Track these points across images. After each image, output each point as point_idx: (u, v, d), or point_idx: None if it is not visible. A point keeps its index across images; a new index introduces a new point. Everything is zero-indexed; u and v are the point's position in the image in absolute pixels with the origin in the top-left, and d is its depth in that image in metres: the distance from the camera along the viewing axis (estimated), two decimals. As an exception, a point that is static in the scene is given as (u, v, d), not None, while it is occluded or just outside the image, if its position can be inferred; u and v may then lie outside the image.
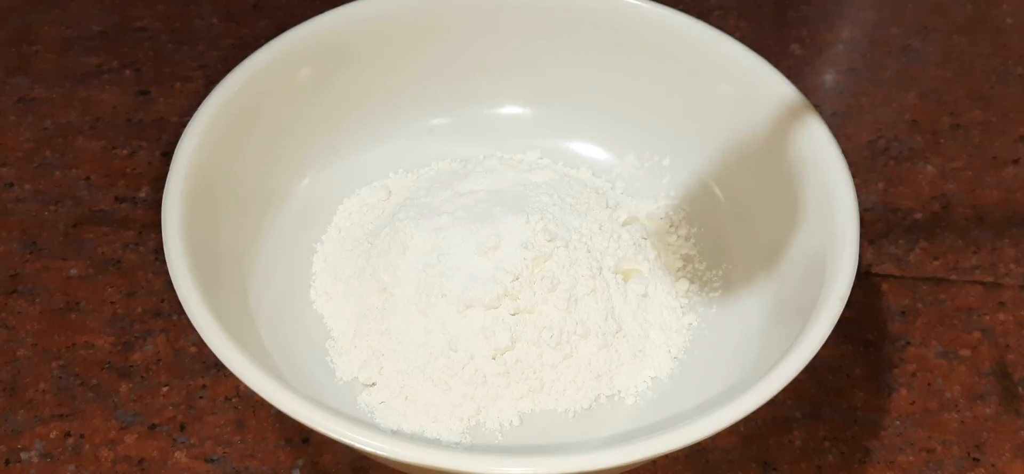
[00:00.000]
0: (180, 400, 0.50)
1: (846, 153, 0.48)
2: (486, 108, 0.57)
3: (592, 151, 0.56)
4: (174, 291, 0.43)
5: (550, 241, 0.48)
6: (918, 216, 0.58)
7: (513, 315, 0.47)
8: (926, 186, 0.60)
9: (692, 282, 0.51)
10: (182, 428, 0.49)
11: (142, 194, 0.59)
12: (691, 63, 0.53)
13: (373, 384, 0.47)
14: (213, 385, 0.51)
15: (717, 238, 0.53)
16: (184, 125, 0.48)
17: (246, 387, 0.40)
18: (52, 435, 0.49)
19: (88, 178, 0.59)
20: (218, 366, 0.51)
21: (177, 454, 0.49)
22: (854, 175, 0.48)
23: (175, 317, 0.53)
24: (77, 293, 0.54)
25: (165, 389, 0.51)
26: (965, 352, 0.53)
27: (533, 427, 0.46)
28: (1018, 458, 0.49)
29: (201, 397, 0.51)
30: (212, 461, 0.48)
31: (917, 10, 0.70)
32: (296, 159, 0.53)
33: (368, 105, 0.55)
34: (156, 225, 0.45)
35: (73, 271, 0.55)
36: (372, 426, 0.44)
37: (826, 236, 0.46)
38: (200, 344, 0.51)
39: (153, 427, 0.50)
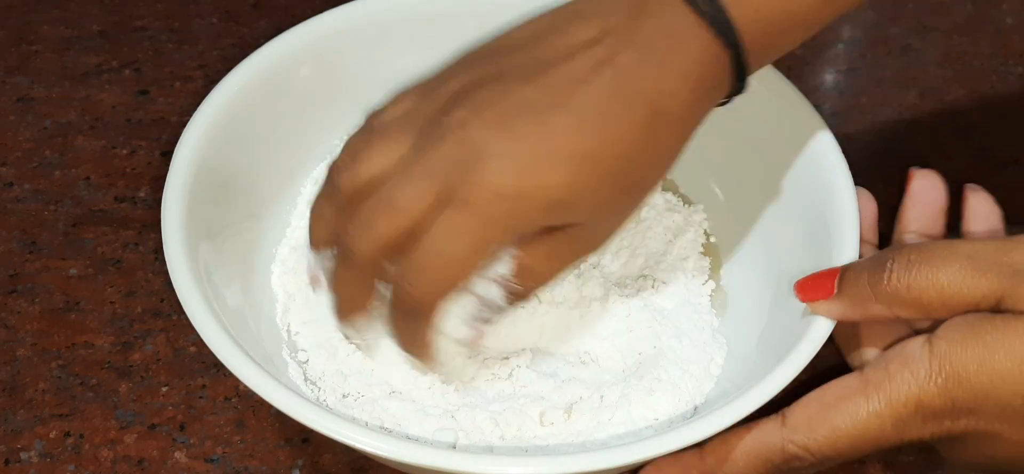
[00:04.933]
0: (180, 400, 0.50)
1: (846, 153, 0.48)
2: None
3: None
4: (174, 291, 0.43)
5: None
6: (918, 216, 0.58)
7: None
8: (926, 186, 0.60)
9: (692, 282, 0.51)
10: (182, 428, 0.49)
11: (142, 194, 0.59)
12: (691, 63, 0.53)
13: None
14: (213, 385, 0.51)
15: (717, 238, 0.53)
16: (184, 125, 0.48)
17: (246, 387, 0.40)
18: (52, 435, 0.49)
19: (88, 178, 0.59)
20: (218, 366, 0.51)
21: (177, 454, 0.49)
22: (854, 175, 0.48)
23: (175, 317, 0.53)
24: (77, 293, 0.54)
25: (165, 389, 0.51)
26: (965, 352, 0.53)
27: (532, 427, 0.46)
28: (1018, 458, 0.49)
29: (201, 397, 0.50)
30: (212, 461, 0.48)
31: (917, 10, 0.70)
32: (296, 159, 0.53)
33: (368, 105, 0.55)
34: (156, 225, 0.45)
35: (73, 271, 0.55)
36: (372, 426, 0.44)
37: (826, 236, 0.46)
38: (200, 344, 0.51)
39: (153, 427, 0.50)
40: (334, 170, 0.42)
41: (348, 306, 0.43)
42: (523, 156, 0.39)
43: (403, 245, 0.40)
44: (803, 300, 0.43)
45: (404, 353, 0.43)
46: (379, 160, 0.41)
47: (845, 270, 0.43)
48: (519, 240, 0.40)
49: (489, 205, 0.39)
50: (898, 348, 0.41)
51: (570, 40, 0.40)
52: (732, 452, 0.42)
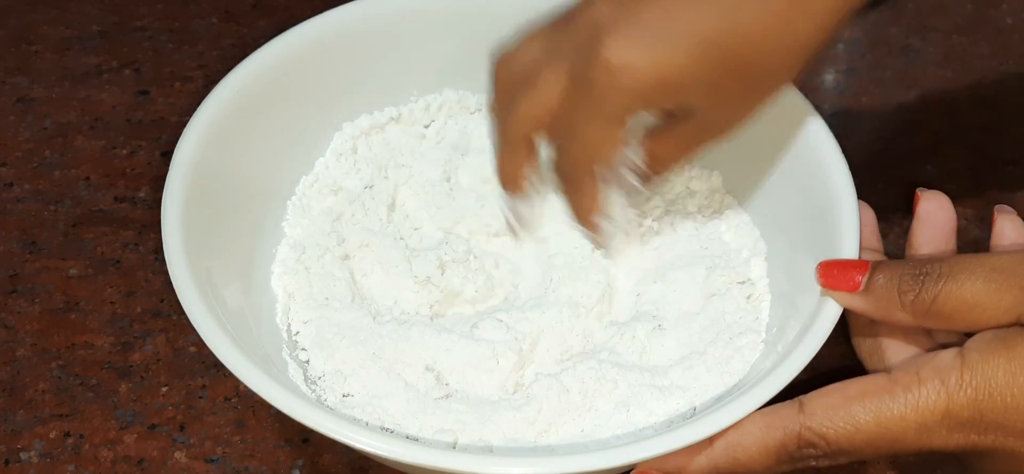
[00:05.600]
0: (180, 400, 0.50)
1: (846, 153, 0.48)
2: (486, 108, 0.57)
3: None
4: (173, 291, 0.43)
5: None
6: (918, 216, 0.58)
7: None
8: (926, 186, 0.60)
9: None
10: (182, 428, 0.49)
11: (142, 194, 0.59)
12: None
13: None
14: (213, 385, 0.51)
15: (717, 238, 0.53)
16: (184, 125, 0.48)
17: (246, 387, 0.40)
18: (52, 435, 0.49)
19: (88, 178, 0.59)
20: (218, 366, 0.51)
21: (177, 454, 0.49)
22: (854, 175, 0.48)
23: (175, 317, 0.53)
24: (77, 293, 0.54)
25: (165, 389, 0.51)
26: (965, 352, 0.53)
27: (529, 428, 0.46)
28: (1018, 458, 0.49)
29: (201, 397, 0.51)
30: (212, 461, 0.48)
31: (917, 10, 0.70)
32: (296, 159, 0.53)
33: (368, 105, 0.55)
34: (156, 225, 0.45)
35: (73, 271, 0.55)
36: (372, 426, 0.44)
37: (826, 236, 0.46)
38: (199, 344, 0.51)
39: (153, 427, 0.50)
40: (495, 65, 0.47)
41: (508, 179, 0.48)
42: (640, 33, 0.41)
43: (551, 123, 0.45)
44: (825, 286, 0.43)
45: (578, 228, 0.48)
46: (527, 51, 0.46)
47: (876, 270, 0.43)
48: (648, 132, 0.45)
49: (606, 79, 0.41)
50: (930, 355, 0.41)
51: None
52: (743, 437, 0.41)
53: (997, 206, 0.48)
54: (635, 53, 0.41)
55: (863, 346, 0.46)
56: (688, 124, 0.44)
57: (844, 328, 0.52)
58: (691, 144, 0.45)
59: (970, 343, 0.40)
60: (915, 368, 0.40)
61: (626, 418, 0.45)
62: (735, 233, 0.51)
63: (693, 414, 0.45)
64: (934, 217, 0.48)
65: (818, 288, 0.44)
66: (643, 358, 0.47)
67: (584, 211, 0.47)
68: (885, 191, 0.59)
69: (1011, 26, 0.69)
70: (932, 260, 0.42)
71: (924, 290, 0.41)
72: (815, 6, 0.41)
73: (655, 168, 0.46)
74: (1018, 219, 0.48)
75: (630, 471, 0.41)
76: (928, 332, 0.44)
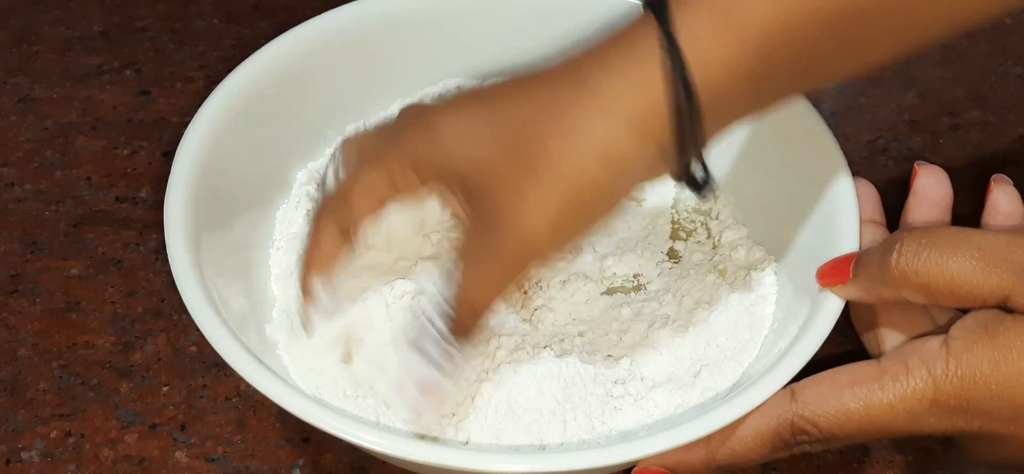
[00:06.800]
0: (180, 400, 0.50)
1: (846, 153, 0.48)
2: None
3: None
4: (175, 291, 0.43)
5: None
6: (918, 216, 0.58)
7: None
8: (926, 186, 0.60)
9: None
10: (182, 428, 0.50)
11: (143, 194, 0.59)
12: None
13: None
14: (213, 385, 0.51)
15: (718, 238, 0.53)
16: (185, 125, 0.48)
17: (246, 387, 0.41)
18: (53, 435, 0.49)
19: (89, 178, 0.59)
20: (219, 366, 0.51)
21: (177, 454, 0.49)
22: (854, 175, 0.48)
23: (175, 317, 0.53)
24: (77, 293, 0.54)
25: (165, 389, 0.51)
26: (965, 352, 0.53)
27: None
28: (1018, 458, 0.49)
29: (201, 397, 0.51)
30: (212, 461, 0.49)
31: (917, 10, 0.70)
32: (297, 159, 0.53)
33: (369, 105, 0.55)
34: (157, 225, 0.45)
35: (73, 271, 0.55)
36: (377, 424, 0.44)
37: (826, 236, 0.46)
38: (200, 344, 0.51)
39: (153, 427, 0.50)
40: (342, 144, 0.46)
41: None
42: (430, 110, 0.43)
43: None
44: (823, 286, 0.44)
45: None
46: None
47: (861, 254, 0.43)
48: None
49: (393, 128, 0.43)
50: (917, 343, 0.41)
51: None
52: (738, 427, 0.41)
53: (994, 176, 0.48)
54: (417, 111, 0.42)
55: (868, 339, 0.46)
56: (474, 235, 0.41)
57: (844, 328, 0.52)
58: (483, 261, 0.40)
59: (954, 331, 0.40)
60: (903, 357, 0.41)
61: (627, 416, 0.45)
62: (735, 233, 0.52)
63: (694, 412, 0.45)
64: (931, 192, 0.48)
65: (817, 287, 0.44)
66: (644, 357, 0.47)
67: (309, 260, 0.44)
68: (885, 191, 0.59)
69: (1011, 26, 0.69)
70: (910, 230, 0.42)
71: (902, 258, 0.41)
72: (580, 96, 0.39)
73: (456, 294, 0.40)
74: (1014, 191, 0.47)
75: (631, 469, 0.42)
76: (929, 314, 0.44)
